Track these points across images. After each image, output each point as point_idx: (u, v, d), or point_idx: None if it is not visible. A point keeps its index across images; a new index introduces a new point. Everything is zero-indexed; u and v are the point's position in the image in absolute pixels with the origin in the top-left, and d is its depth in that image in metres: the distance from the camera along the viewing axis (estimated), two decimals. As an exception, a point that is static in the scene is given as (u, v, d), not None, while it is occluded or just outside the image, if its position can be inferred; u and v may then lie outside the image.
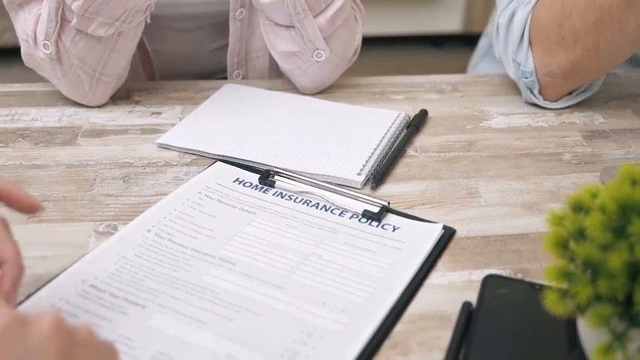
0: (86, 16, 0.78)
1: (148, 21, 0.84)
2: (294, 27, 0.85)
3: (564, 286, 0.44)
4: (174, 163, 0.77)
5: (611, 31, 0.80)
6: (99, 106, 0.89)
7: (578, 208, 0.46)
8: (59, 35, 0.80)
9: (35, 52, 0.82)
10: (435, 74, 1.01)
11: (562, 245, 0.45)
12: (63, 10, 0.78)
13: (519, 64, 0.88)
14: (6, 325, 0.37)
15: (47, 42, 0.80)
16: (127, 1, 0.78)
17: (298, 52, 0.87)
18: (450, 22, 3.01)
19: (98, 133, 0.83)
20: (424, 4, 3.04)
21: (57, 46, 0.81)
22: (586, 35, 0.81)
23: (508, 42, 0.89)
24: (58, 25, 0.79)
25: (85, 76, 0.84)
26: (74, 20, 0.78)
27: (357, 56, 0.94)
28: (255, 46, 0.99)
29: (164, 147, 0.80)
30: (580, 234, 0.45)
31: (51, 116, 0.87)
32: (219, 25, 0.99)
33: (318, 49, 0.86)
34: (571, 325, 0.51)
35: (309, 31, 0.84)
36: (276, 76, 1.03)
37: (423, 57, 3.01)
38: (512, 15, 0.88)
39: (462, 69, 1.36)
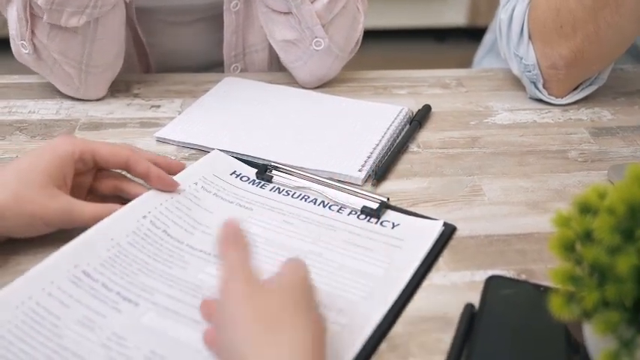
0: (54, 9, 0.75)
1: (127, 1, 0.82)
2: (291, 13, 0.83)
3: (570, 289, 0.43)
4: (172, 158, 0.75)
5: (610, 11, 0.78)
6: (97, 99, 0.88)
7: (586, 209, 0.45)
8: (33, 33, 0.78)
9: (20, 50, 0.81)
10: (438, 69, 0.99)
11: (568, 247, 0.44)
12: (31, 6, 0.76)
13: (521, 58, 0.86)
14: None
15: (23, 42, 0.78)
16: None
17: (297, 41, 0.86)
18: (454, 16, 2.98)
19: (96, 126, 0.82)
20: (428, -3, 3.02)
21: (33, 44, 0.79)
22: (585, 20, 0.79)
23: (509, 37, 0.87)
24: (29, 23, 0.77)
25: (72, 69, 0.82)
26: (44, 16, 0.76)
27: (358, 48, 0.92)
28: (253, 39, 0.97)
29: (163, 141, 0.78)
30: (587, 236, 0.43)
31: (48, 109, 0.86)
32: (215, 18, 0.97)
33: (317, 37, 0.84)
34: (575, 329, 0.49)
35: (307, 17, 0.82)
36: (276, 70, 1.01)
37: (427, 51, 2.99)
38: (513, 10, 0.87)
39: (466, 63, 1.34)
